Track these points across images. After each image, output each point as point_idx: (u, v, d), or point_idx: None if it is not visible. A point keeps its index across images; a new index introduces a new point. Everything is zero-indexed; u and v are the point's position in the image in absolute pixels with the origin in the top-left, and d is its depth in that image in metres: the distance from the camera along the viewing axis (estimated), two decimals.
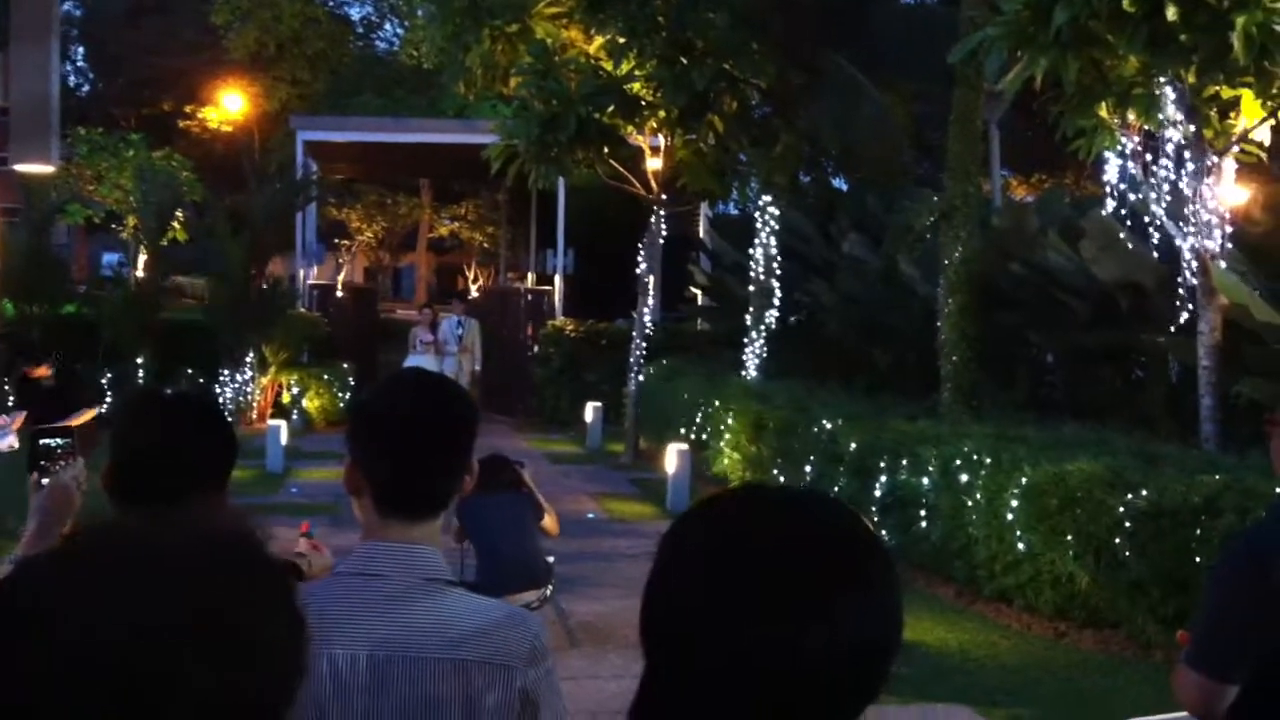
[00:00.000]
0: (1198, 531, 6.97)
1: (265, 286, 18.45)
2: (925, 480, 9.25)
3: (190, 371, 17.79)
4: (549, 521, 7.31)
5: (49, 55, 7.89)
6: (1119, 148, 9.55)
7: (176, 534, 1.11)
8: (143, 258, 21.58)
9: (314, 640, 2.05)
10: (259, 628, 1.08)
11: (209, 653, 1.04)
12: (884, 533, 9.53)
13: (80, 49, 42.87)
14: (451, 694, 2.02)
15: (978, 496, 8.58)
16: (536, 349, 20.18)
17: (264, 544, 1.15)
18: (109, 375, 17.65)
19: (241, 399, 17.71)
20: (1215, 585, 2.67)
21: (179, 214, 20.93)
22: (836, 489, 10.53)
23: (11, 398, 16.85)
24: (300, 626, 1.13)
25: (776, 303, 14.56)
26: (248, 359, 17.74)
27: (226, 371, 17.77)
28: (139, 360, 17.68)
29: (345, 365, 18.99)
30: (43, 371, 10.61)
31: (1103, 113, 9.06)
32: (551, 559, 7.35)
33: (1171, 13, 7.36)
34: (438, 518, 2.17)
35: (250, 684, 1.05)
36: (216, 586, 1.07)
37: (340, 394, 18.41)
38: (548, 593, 7.14)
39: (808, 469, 11.03)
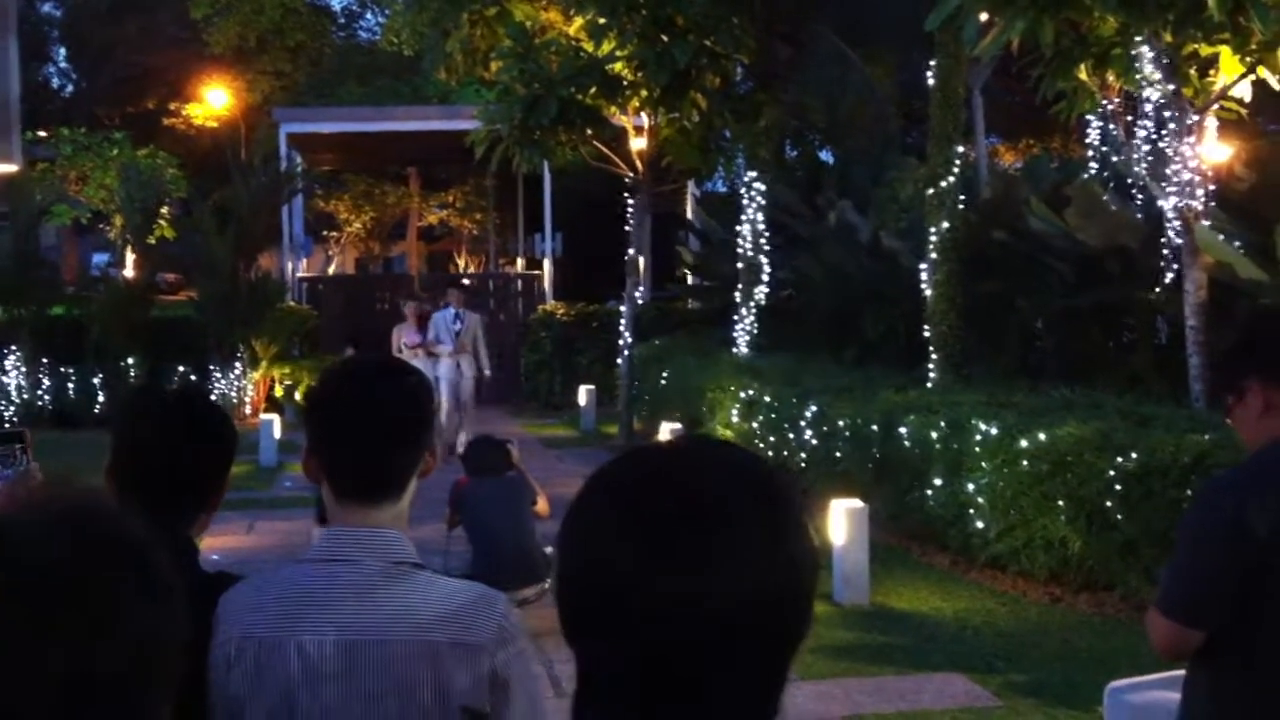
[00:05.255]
0: (1188, 491, 6.96)
1: (254, 280, 18.42)
2: (917, 450, 9.25)
3: (181, 369, 17.78)
4: (541, 504, 7.27)
5: (8, 53, 7.79)
6: (1100, 109, 9.52)
7: (16, 513, 1.11)
8: (131, 257, 21.54)
9: (280, 628, 2.05)
10: (96, 597, 1.07)
11: (36, 623, 1.03)
12: (879, 503, 9.53)
13: (62, 49, 42.69)
14: (421, 677, 2.02)
15: (970, 464, 8.58)
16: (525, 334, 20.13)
17: (114, 512, 1.15)
18: (100, 375, 17.64)
19: (234, 394, 17.69)
20: (1187, 531, 2.71)
21: (165, 211, 20.88)
22: (830, 461, 10.54)
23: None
24: (161, 596, 1.12)
25: (765, 278, 14.54)
26: (239, 354, 17.73)
27: (217, 368, 17.75)
28: (130, 360, 17.67)
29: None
30: None
31: (1082, 75, 9.02)
32: (550, 549, 7.23)
33: None
34: (400, 500, 2.16)
35: (88, 655, 1.05)
36: (49, 557, 1.07)
37: None
38: (546, 585, 6.88)
39: (802, 441, 11.04)
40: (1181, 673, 2.84)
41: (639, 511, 1.14)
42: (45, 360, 17.69)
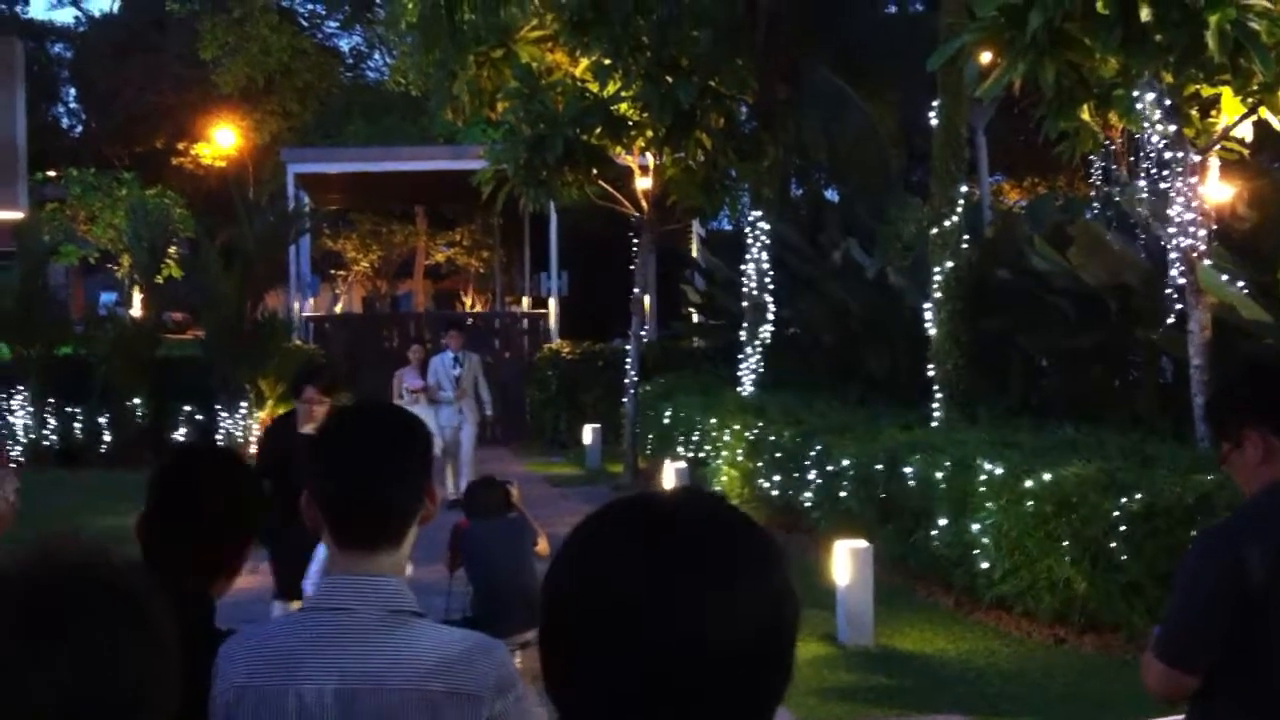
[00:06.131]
0: (1192, 531, 6.94)
1: (260, 319, 18.46)
2: (922, 489, 9.23)
3: (188, 408, 17.80)
4: (542, 544, 7.26)
5: (14, 101, 7.79)
6: (1103, 149, 9.56)
7: (22, 560, 1.15)
8: (138, 296, 21.63)
9: (279, 676, 2.06)
10: (97, 647, 1.11)
11: (27, 666, 1.08)
12: (884, 543, 9.50)
13: (71, 90, 43.03)
14: None
15: (975, 504, 8.56)
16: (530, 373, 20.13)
17: (112, 562, 1.18)
18: (106, 415, 17.65)
19: (240, 433, 17.70)
20: (1184, 576, 2.72)
21: (172, 250, 20.99)
22: (835, 500, 10.52)
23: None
24: (156, 645, 1.15)
25: (770, 316, 14.57)
26: (246, 393, 17.74)
27: (224, 407, 17.77)
28: (136, 399, 17.70)
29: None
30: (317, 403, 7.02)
31: (1084, 115, 9.06)
32: None
33: (1145, 13, 7.38)
34: (399, 547, 2.17)
35: (79, 699, 1.08)
36: (52, 608, 1.10)
37: None
38: None
39: (806, 481, 11.02)
40: (1183, 717, 2.84)
41: (640, 552, 1.16)
42: (52, 399, 17.72)
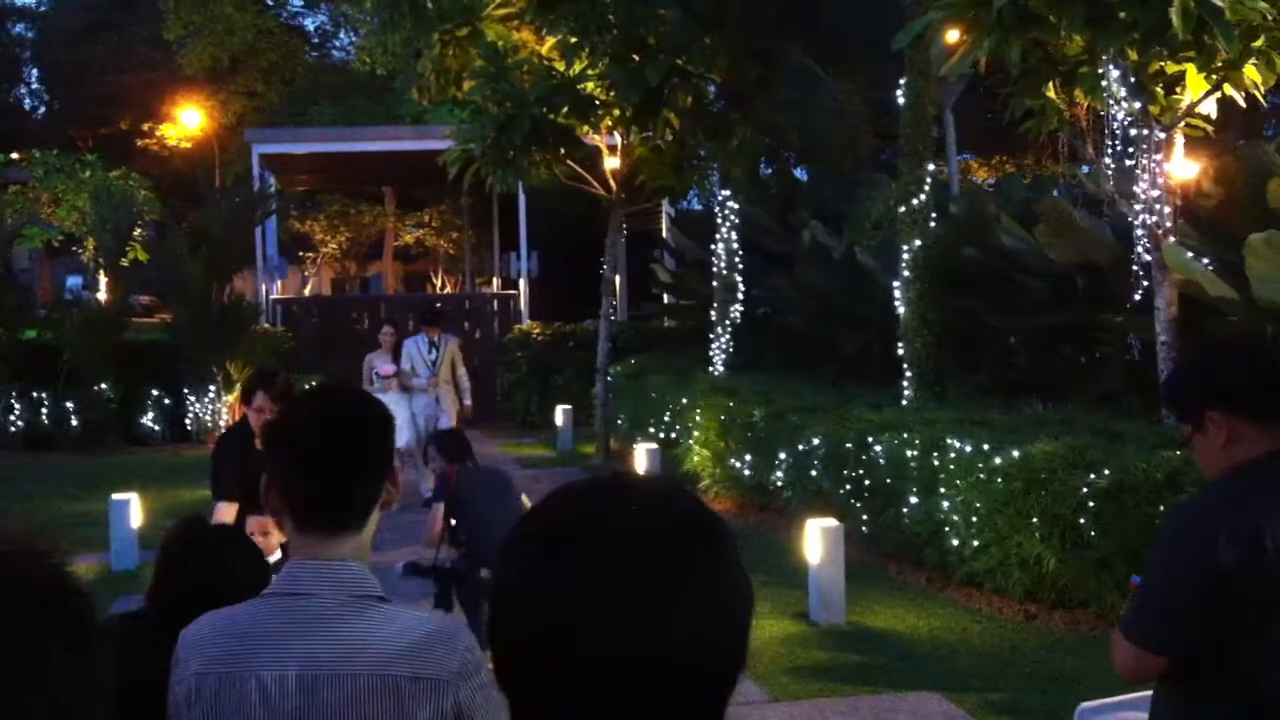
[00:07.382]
0: (1160, 507, 7.01)
1: (227, 303, 18.33)
2: (893, 468, 9.26)
3: (155, 392, 17.68)
4: (525, 501, 7.23)
5: None
6: (1069, 128, 9.58)
7: None
8: (104, 279, 21.44)
9: (240, 662, 2.04)
10: (20, 651, 1.05)
11: None
12: (855, 521, 9.53)
13: (34, 70, 42.57)
14: (383, 711, 2.01)
15: (945, 481, 8.60)
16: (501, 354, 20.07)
17: (38, 557, 1.12)
18: (74, 399, 17.52)
19: (208, 417, 17.60)
20: (1157, 556, 2.72)
21: (137, 233, 20.80)
22: (806, 480, 10.55)
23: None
24: (87, 644, 1.10)
25: (740, 296, 14.56)
26: (215, 377, 17.63)
27: (191, 391, 17.65)
28: (103, 383, 17.56)
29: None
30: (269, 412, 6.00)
31: (1050, 93, 9.08)
32: None
33: None
34: (361, 531, 2.15)
35: (11, 712, 1.03)
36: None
37: None
38: None
39: (776, 462, 11.04)
40: (1149, 693, 2.85)
41: (577, 558, 1.13)
42: (18, 383, 17.56)
